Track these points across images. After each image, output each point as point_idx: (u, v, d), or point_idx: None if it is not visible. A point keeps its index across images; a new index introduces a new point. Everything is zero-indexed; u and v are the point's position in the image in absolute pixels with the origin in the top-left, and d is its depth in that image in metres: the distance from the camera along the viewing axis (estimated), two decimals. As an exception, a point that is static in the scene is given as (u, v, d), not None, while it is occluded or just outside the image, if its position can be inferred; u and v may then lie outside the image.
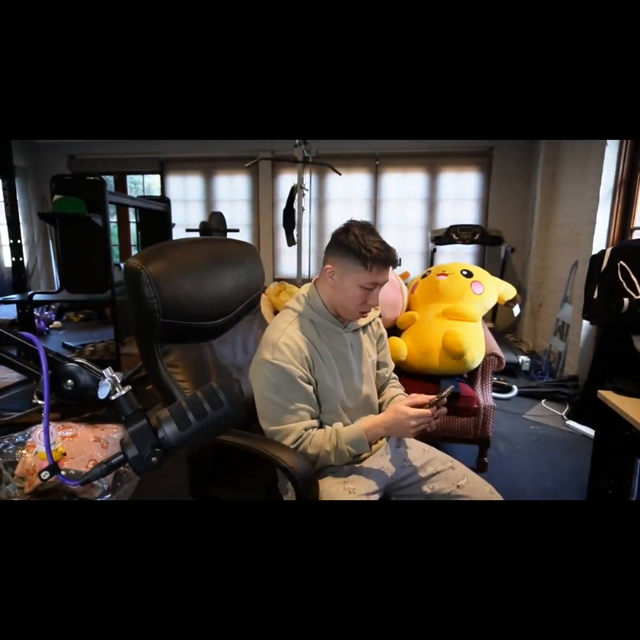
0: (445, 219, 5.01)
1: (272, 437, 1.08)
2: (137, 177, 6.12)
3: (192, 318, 1.17)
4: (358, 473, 1.13)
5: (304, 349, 1.09)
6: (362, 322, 1.21)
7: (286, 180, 5.30)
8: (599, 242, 3.22)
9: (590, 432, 2.53)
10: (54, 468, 0.59)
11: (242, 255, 1.45)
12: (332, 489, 1.08)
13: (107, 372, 0.61)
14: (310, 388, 1.09)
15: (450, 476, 1.17)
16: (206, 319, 1.23)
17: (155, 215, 3.97)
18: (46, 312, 5.26)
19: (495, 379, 3.36)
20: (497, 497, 1.15)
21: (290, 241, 4.22)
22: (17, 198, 3.42)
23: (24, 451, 1.86)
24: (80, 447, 1.86)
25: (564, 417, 2.82)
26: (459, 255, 4.90)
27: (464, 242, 4.44)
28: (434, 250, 4.65)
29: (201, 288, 1.20)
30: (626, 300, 1.80)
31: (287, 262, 5.52)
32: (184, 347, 1.17)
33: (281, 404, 1.06)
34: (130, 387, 0.61)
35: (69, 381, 0.62)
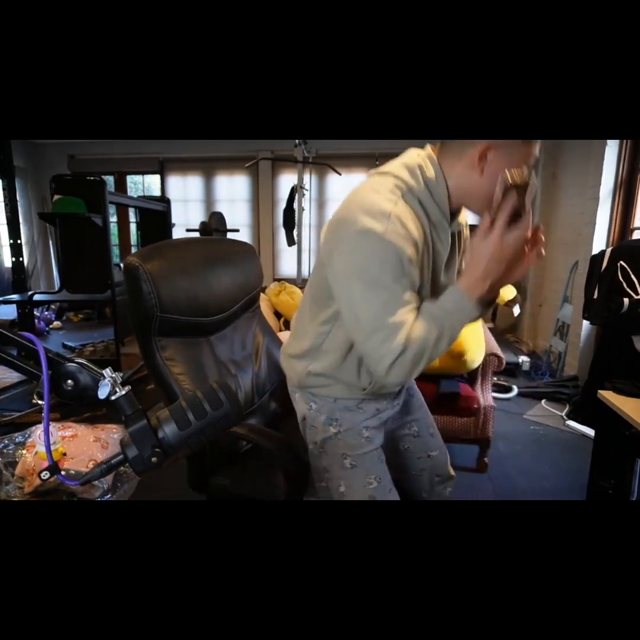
0: (445, 219, 5.00)
1: (367, 337, 0.84)
2: (137, 177, 6.13)
3: (189, 314, 1.20)
4: (375, 426, 1.05)
5: (413, 231, 0.83)
6: (462, 221, 0.99)
7: (286, 180, 5.31)
8: (599, 242, 3.22)
9: (590, 432, 2.53)
10: (54, 468, 0.59)
11: (238, 254, 1.49)
12: (351, 439, 1.02)
13: (107, 372, 0.61)
14: (417, 274, 0.85)
15: (427, 443, 1.20)
16: (203, 315, 1.26)
17: (155, 215, 3.97)
18: (46, 312, 5.26)
19: (495, 379, 3.36)
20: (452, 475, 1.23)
21: (290, 241, 4.22)
22: (17, 198, 3.43)
23: (24, 451, 1.86)
24: (80, 447, 1.86)
25: (564, 417, 2.82)
26: (459, 255, 4.90)
27: (464, 242, 4.44)
28: (434, 250, 4.64)
29: (198, 285, 1.24)
30: (626, 300, 1.80)
31: (287, 262, 5.52)
32: (181, 341, 1.20)
33: (389, 287, 0.82)
34: (130, 387, 0.61)
35: (69, 381, 0.62)
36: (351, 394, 1.03)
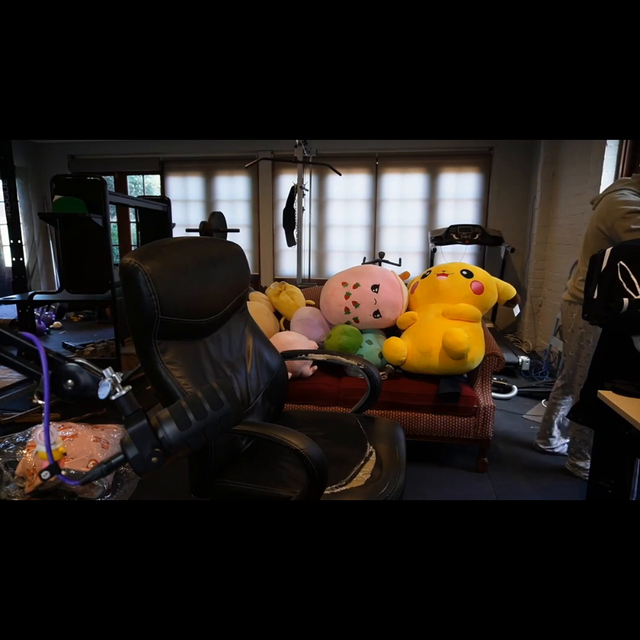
0: (445, 219, 5.01)
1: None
2: (137, 177, 6.12)
3: (187, 315, 1.19)
4: None
5: None
6: None
7: (286, 180, 5.31)
8: (599, 242, 3.21)
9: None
10: (54, 468, 0.59)
11: (230, 255, 1.49)
12: None
13: (107, 372, 0.61)
14: None
15: None
16: (200, 316, 1.26)
17: (155, 215, 3.97)
18: (46, 312, 5.26)
19: (495, 379, 3.36)
20: None
21: (290, 241, 4.22)
22: (18, 198, 3.43)
23: (24, 451, 1.86)
24: (80, 447, 1.86)
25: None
26: (459, 255, 4.91)
27: (463, 242, 4.44)
28: (434, 250, 4.65)
29: (194, 286, 1.23)
30: (626, 300, 1.80)
31: (287, 262, 5.52)
32: (179, 344, 1.19)
33: None
34: (130, 387, 0.61)
35: (69, 381, 0.62)
36: None
